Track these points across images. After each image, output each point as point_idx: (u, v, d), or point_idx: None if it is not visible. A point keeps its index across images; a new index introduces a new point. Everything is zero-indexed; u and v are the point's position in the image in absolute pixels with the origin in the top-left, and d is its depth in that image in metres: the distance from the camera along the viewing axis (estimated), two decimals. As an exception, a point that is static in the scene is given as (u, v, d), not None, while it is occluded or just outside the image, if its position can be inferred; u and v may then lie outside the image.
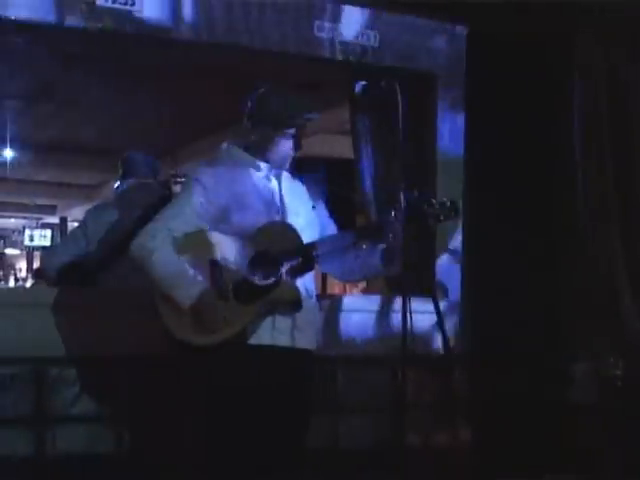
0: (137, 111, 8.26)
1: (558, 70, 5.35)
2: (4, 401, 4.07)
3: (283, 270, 3.00)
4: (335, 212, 3.36)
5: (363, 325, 4.86)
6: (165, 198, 3.98)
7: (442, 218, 3.06)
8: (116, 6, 4.35)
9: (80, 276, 4.14)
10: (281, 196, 3.19)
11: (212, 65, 5.92)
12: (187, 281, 3.01)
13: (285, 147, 3.20)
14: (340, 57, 4.91)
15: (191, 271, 3.03)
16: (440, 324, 4.63)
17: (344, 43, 4.89)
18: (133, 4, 4.38)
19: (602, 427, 5.00)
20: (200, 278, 3.01)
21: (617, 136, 5.37)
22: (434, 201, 3.07)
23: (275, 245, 3.03)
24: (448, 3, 4.92)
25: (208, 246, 3.04)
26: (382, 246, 3.11)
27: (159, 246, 3.06)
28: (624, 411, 5.03)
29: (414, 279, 3.03)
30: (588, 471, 4.73)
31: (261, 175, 3.19)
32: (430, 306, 3.63)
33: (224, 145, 3.29)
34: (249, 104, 3.23)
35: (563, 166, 5.38)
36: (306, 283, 3.15)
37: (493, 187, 5.15)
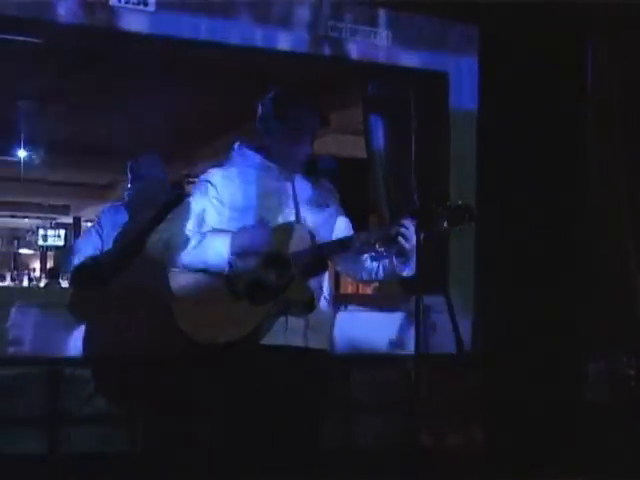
0: (150, 111, 8.26)
1: (572, 71, 5.34)
2: (17, 401, 4.09)
3: (296, 271, 3.00)
4: (349, 212, 3.35)
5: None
6: (177, 198, 3.99)
7: (456, 222, 2.99)
8: (129, 6, 4.37)
9: (96, 276, 4.16)
10: (294, 197, 3.18)
11: (225, 66, 5.93)
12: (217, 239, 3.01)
13: (297, 150, 3.19)
14: (353, 57, 4.91)
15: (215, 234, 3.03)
16: (453, 323, 4.64)
17: (357, 43, 4.89)
18: (146, 4, 4.40)
19: (616, 427, 4.99)
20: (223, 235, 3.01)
21: (631, 137, 5.37)
22: (449, 203, 3.05)
23: (288, 245, 3.03)
24: (460, 3, 4.92)
25: (221, 246, 3.04)
26: (396, 247, 3.10)
27: (175, 235, 3.05)
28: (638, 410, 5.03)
29: (428, 280, 3.02)
30: (601, 471, 4.72)
31: (273, 176, 3.19)
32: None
33: (236, 146, 3.28)
34: (261, 106, 3.23)
35: (577, 166, 5.37)
36: (320, 283, 3.15)
37: (506, 186, 5.15)
